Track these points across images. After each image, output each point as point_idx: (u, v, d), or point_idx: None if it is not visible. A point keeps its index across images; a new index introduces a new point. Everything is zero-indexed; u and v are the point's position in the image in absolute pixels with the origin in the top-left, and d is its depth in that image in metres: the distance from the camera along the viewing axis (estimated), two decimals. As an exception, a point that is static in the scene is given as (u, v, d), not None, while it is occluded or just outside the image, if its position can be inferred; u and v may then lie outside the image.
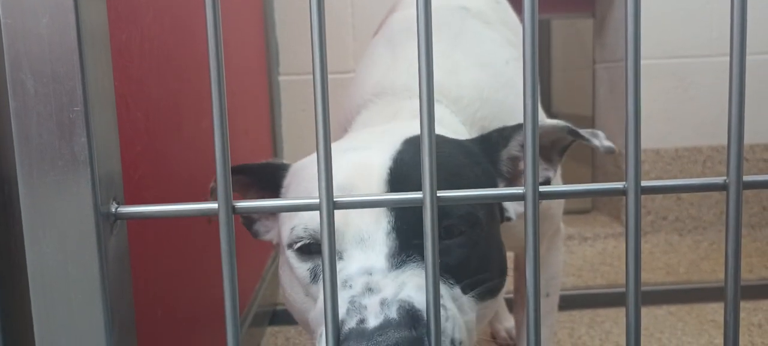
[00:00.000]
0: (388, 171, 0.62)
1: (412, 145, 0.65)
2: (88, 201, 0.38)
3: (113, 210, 0.41)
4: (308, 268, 0.64)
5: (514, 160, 0.71)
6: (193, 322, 0.99)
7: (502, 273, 0.66)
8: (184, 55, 1.00)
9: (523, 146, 0.64)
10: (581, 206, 2.25)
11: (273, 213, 0.76)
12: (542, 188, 0.40)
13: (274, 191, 0.75)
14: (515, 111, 0.88)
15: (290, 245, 0.64)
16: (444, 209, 0.59)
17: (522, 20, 0.40)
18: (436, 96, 0.82)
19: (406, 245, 0.58)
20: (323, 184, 0.40)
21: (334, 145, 0.69)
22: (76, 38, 0.38)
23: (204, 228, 1.01)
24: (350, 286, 0.55)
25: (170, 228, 0.88)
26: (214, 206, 0.40)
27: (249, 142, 1.56)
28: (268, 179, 0.75)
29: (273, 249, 1.85)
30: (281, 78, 1.97)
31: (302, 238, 0.62)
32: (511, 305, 1.41)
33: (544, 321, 1.06)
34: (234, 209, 0.41)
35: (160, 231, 0.83)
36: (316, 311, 0.62)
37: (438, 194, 0.40)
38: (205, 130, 1.06)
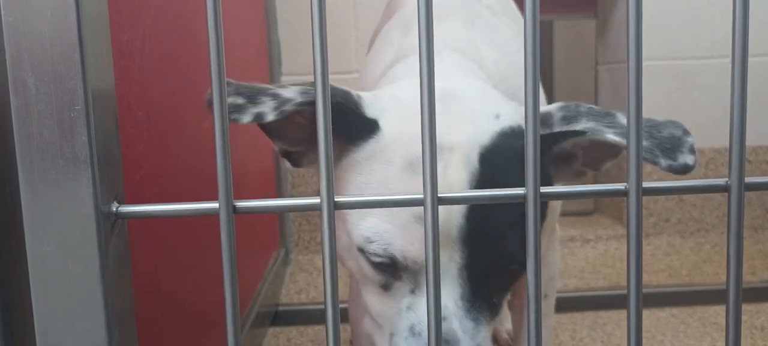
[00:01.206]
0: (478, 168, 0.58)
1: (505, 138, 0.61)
2: (89, 200, 0.38)
3: (114, 209, 0.41)
4: (380, 282, 0.61)
5: (564, 156, 0.66)
6: (195, 322, 0.99)
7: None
8: (186, 55, 1.00)
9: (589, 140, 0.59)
10: (583, 208, 2.25)
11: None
12: (543, 189, 0.40)
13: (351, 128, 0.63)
14: None
15: (361, 249, 0.60)
16: (511, 253, 0.57)
17: (524, 19, 0.40)
18: (462, 58, 0.79)
19: (478, 286, 0.56)
20: (324, 183, 0.40)
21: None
22: (77, 37, 0.38)
23: (205, 228, 1.01)
24: (421, 334, 0.53)
25: (171, 228, 0.88)
26: (214, 205, 0.40)
27: (251, 142, 1.56)
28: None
29: (275, 250, 1.85)
30: (283, 78, 1.97)
31: (379, 255, 0.59)
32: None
33: (543, 323, 1.06)
34: (234, 209, 0.41)
35: (161, 231, 0.83)
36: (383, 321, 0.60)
37: (439, 195, 0.40)
38: (207, 130, 1.06)
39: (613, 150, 0.64)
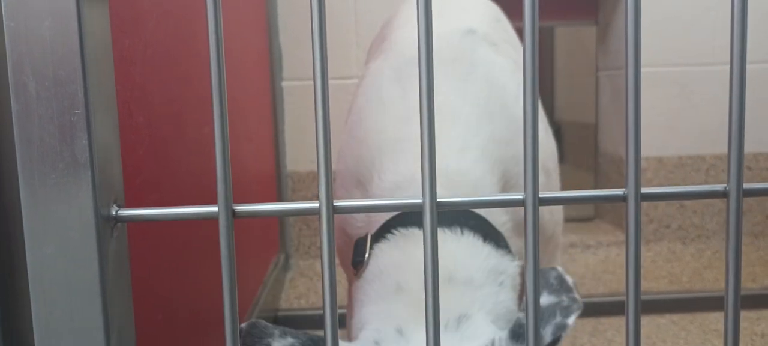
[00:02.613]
0: None
1: None
2: (88, 203, 0.39)
3: (114, 213, 0.42)
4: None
5: None
6: (194, 327, 0.98)
7: None
8: (187, 61, 1.00)
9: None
10: (584, 214, 2.25)
11: None
12: (542, 194, 0.40)
13: None
14: None
15: None
16: None
17: (523, 25, 0.40)
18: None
19: None
20: (323, 188, 0.40)
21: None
22: (78, 42, 0.38)
23: (204, 232, 1.01)
24: None
25: (171, 232, 0.88)
26: (214, 209, 0.40)
27: (251, 147, 1.56)
28: None
29: (275, 255, 1.85)
30: (284, 83, 1.97)
31: None
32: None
33: None
34: (234, 213, 0.41)
35: (161, 235, 0.83)
36: None
37: (438, 200, 0.40)
38: (207, 135, 1.06)
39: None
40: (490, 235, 0.74)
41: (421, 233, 0.73)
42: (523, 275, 0.78)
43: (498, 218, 0.77)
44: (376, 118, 0.89)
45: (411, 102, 0.85)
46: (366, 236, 0.77)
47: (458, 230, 0.73)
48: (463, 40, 0.91)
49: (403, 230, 0.75)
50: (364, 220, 0.81)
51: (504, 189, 0.81)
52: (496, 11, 1.08)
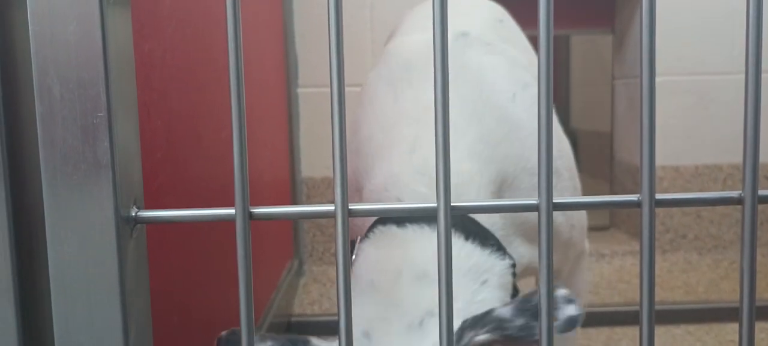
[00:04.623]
0: None
1: None
2: (109, 204, 0.39)
3: (133, 214, 0.42)
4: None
5: None
6: (209, 329, 0.99)
7: None
8: (205, 67, 1.02)
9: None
10: (599, 223, 2.23)
11: None
12: (556, 200, 0.41)
13: None
14: (522, 157, 0.83)
15: None
16: None
17: (538, 33, 0.40)
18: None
19: None
20: (338, 190, 0.40)
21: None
22: (102, 46, 0.39)
23: (221, 237, 1.02)
24: None
25: (187, 236, 0.89)
26: (231, 211, 0.41)
27: (266, 153, 1.57)
28: None
29: (289, 260, 1.86)
30: (300, 90, 1.99)
31: None
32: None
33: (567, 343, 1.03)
34: (251, 215, 0.41)
35: (178, 238, 0.84)
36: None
37: (452, 204, 0.41)
38: (224, 140, 1.07)
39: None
40: (476, 233, 0.74)
41: (399, 230, 0.74)
42: (515, 274, 0.78)
43: (489, 218, 0.77)
44: (369, 126, 0.89)
45: (401, 105, 0.85)
46: (356, 239, 0.79)
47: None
48: (454, 44, 0.90)
49: (382, 228, 0.76)
50: (358, 224, 0.83)
51: (501, 189, 0.81)
52: (500, 12, 1.07)
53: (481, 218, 0.76)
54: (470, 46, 0.92)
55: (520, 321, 0.58)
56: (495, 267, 0.73)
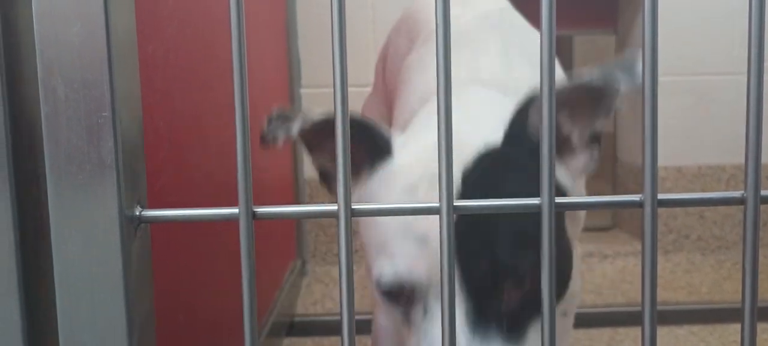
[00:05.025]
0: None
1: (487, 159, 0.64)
2: (113, 204, 0.40)
3: (137, 213, 0.43)
4: (397, 314, 0.64)
5: (560, 144, 0.70)
6: (213, 328, 1.00)
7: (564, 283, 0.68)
8: (208, 67, 1.02)
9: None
10: (601, 223, 2.23)
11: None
12: (558, 200, 0.41)
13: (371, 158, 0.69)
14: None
15: (379, 288, 0.64)
16: (505, 263, 0.59)
17: (540, 33, 0.41)
18: (490, 93, 0.82)
19: (484, 303, 0.58)
20: (341, 191, 0.40)
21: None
22: (106, 47, 0.39)
23: (224, 237, 1.03)
24: None
25: (191, 234, 0.89)
26: (235, 210, 0.41)
27: (269, 154, 1.57)
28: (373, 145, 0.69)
29: (292, 260, 1.86)
30: (303, 91, 1.99)
31: (390, 286, 0.62)
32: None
33: (562, 342, 1.04)
34: (254, 215, 0.41)
35: (182, 236, 0.85)
36: None
37: (455, 203, 0.41)
38: (227, 140, 1.07)
39: (602, 105, 0.68)
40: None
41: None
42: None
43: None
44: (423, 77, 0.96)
45: (430, 77, 0.90)
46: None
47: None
48: (502, 14, 1.04)
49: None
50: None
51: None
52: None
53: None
54: (515, 15, 1.03)
55: (600, 73, 0.62)
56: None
